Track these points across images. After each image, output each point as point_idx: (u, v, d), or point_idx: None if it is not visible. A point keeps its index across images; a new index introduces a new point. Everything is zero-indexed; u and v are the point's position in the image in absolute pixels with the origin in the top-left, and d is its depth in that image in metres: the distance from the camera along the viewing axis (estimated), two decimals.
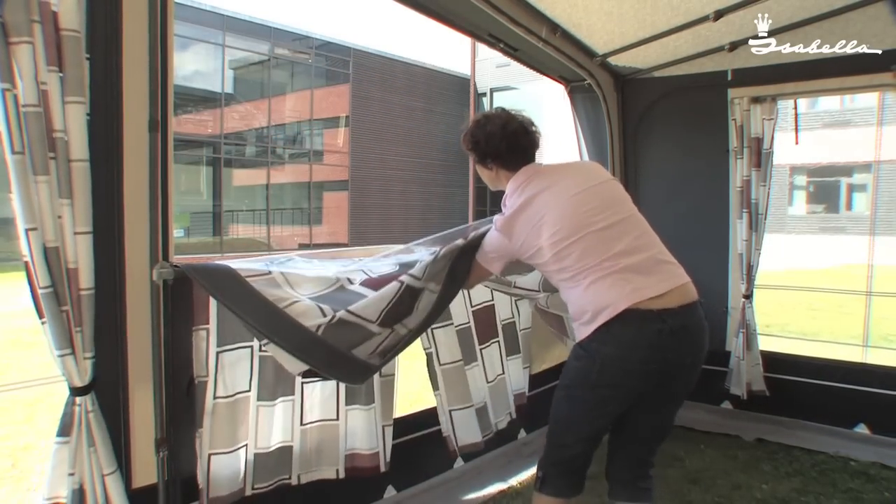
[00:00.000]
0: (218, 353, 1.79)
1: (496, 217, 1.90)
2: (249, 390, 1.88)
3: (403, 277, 1.85)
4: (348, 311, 1.74)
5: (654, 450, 1.88)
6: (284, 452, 1.98)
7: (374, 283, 1.87)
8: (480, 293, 2.55)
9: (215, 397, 1.80)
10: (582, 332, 1.72)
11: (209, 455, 1.80)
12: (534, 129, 1.94)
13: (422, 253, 2.01)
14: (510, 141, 1.89)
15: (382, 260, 2.05)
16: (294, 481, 2.01)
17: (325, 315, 1.71)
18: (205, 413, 1.78)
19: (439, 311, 1.97)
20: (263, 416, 1.92)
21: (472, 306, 2.51)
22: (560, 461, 1.82)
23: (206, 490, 1.79)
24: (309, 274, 1.87)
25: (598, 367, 1.68)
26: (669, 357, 1.66)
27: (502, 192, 1.94)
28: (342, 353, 1.75)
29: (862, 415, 3.16)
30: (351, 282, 1.91)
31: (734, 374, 3.38)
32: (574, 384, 1.76)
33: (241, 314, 1.65)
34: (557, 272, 1.77)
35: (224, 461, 1.83)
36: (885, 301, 6.50)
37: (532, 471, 2.84)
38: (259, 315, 1.65)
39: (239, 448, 1.87)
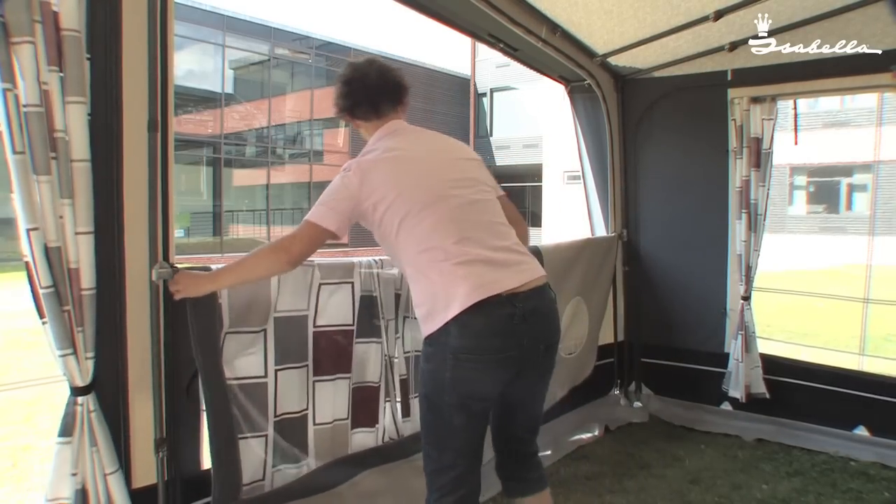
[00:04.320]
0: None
1: (349, 162, 1.70)
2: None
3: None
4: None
5: (532, 440, 1.81)
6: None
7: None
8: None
9: None
10: (429, 324, 1.59)
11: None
12: (396, 71, 1.82)
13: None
14: (380, 82, 1.77)
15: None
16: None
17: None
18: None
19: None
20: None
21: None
22: (447, 489, 1.61)
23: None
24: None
25: (451, 364, 1.54)
26: (525, 343, 1.58)
27: None
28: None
29: (862, 419, 3.15)
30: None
31: (733, 377, 3.37)
32: (432, 391, 1.60)
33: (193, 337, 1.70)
34: (403, 243, 1.62)
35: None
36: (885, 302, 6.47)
37: None
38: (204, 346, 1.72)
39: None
